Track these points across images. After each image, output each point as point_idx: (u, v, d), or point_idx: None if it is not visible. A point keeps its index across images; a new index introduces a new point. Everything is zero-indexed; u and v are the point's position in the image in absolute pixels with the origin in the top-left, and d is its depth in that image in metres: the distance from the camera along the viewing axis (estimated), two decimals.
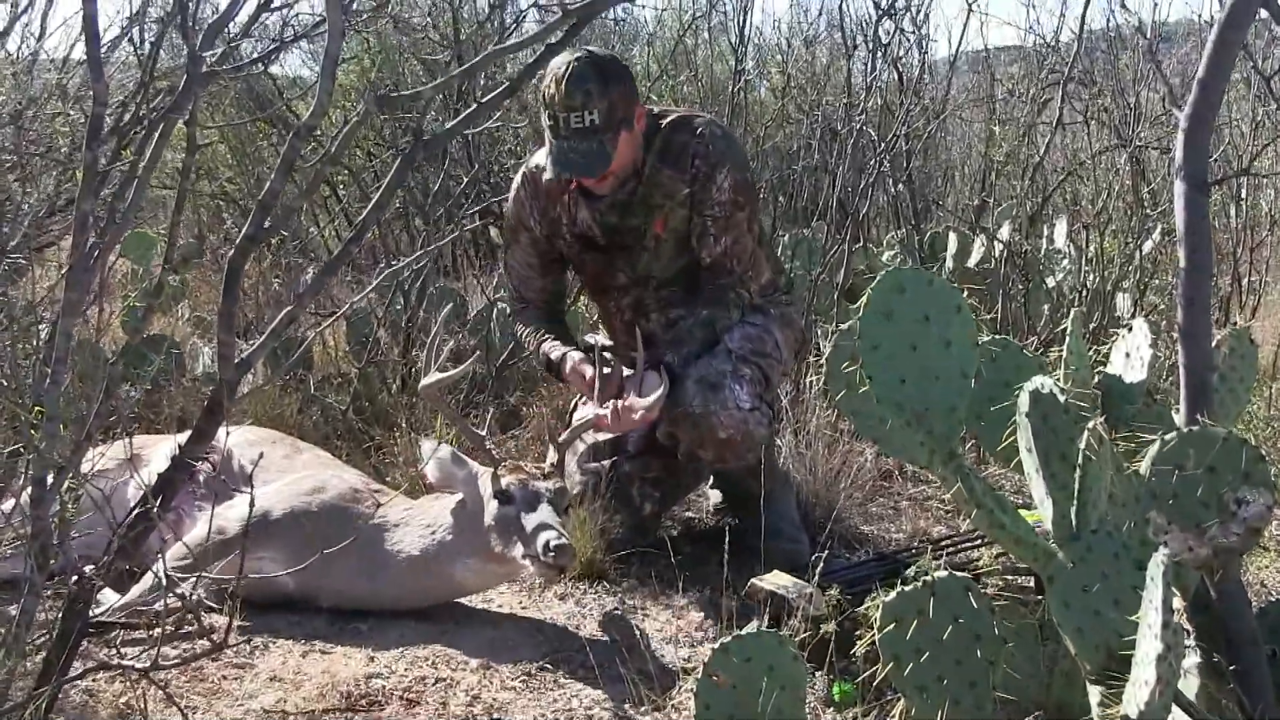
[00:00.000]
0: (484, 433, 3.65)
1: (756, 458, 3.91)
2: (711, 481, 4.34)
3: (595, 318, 4.36)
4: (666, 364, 3.84)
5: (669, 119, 3.94)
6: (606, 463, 3.97)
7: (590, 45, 3.91)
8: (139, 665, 2.48)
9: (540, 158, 4.01)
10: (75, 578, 2.44)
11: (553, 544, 3.24)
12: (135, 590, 3.29)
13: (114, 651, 2.92)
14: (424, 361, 3.72)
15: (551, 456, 3.64)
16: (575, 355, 3.98)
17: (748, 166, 4.01)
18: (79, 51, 4.18)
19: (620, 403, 3.71)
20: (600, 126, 3.70)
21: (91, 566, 2.50)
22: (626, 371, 3.91)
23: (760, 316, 4.01)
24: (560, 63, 3.68)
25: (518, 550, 3.33)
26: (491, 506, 3.42)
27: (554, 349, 4.04)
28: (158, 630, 2.91)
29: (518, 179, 4.14)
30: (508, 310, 4.58)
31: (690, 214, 3.92)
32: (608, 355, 3.96)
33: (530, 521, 3.34)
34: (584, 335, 4.40)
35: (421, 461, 3.64)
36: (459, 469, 3.56)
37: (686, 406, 3.79)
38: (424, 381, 3.68)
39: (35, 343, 3.18)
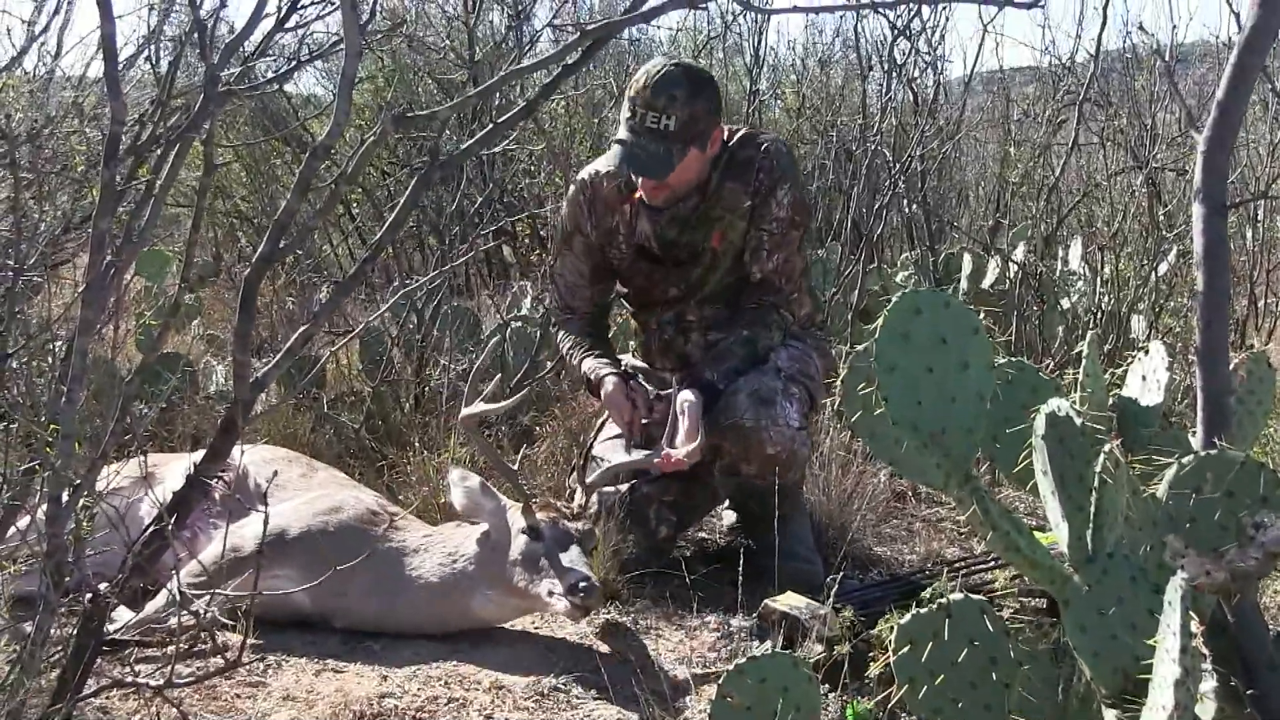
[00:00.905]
0: (515, 466, 3.68)
1: (797, 477, 3.96)
2: (727, 504, 4.33)
3: (635, 331, 4.33)
4: (707, 382, 3.85)
5: (737, 136, 3.99)
6: (624, 486, 3.96)
7: (684, 60, 3.93)
8: (153, 683, 2.48)
9: (602, 163, 4.08)
10: (90, 595, 2.45)
11: (582, 585, 3.24)
12: (150, 607, 3.29)
13: (128, 669, 2.92)
14: (466, 391, 3.72)
15: (579, 498, 3.64)
16: (613, 380, 3.96)
17: (805, 187, 4.04)
18: (95, 69, 4.21)
19: (666, 453, 3.69)
20: (674, 134, 3.73)
21: (106, 584, 2.50)
22: (663, 393, 3.92)
23: (800, 343, 4.05)
24: (656, 63, 3.77)
25: (543, 587, 3.33)
26: (520, 541, 3.41)
27: (595, 368, 4.04)
28: (172, 648, 2.91)
29: (575, 185, 4.16)
30: (551, 319, 4.57)
31: (748, 227, 3.95)
32: (646, 385, 4.00)
33: (560, 560, 3.34)
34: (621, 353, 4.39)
35: (448, 487, 3.65)
36: (488, 500, 3.56)
37: (738, 419, 3.80)
38: (464, 412, 3.68)
39: (51, 360, 3.19)
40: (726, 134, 3.99)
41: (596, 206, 4.10)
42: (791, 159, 4.02)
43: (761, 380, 3.86)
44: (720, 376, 3.86)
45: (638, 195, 4.00)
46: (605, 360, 4.08)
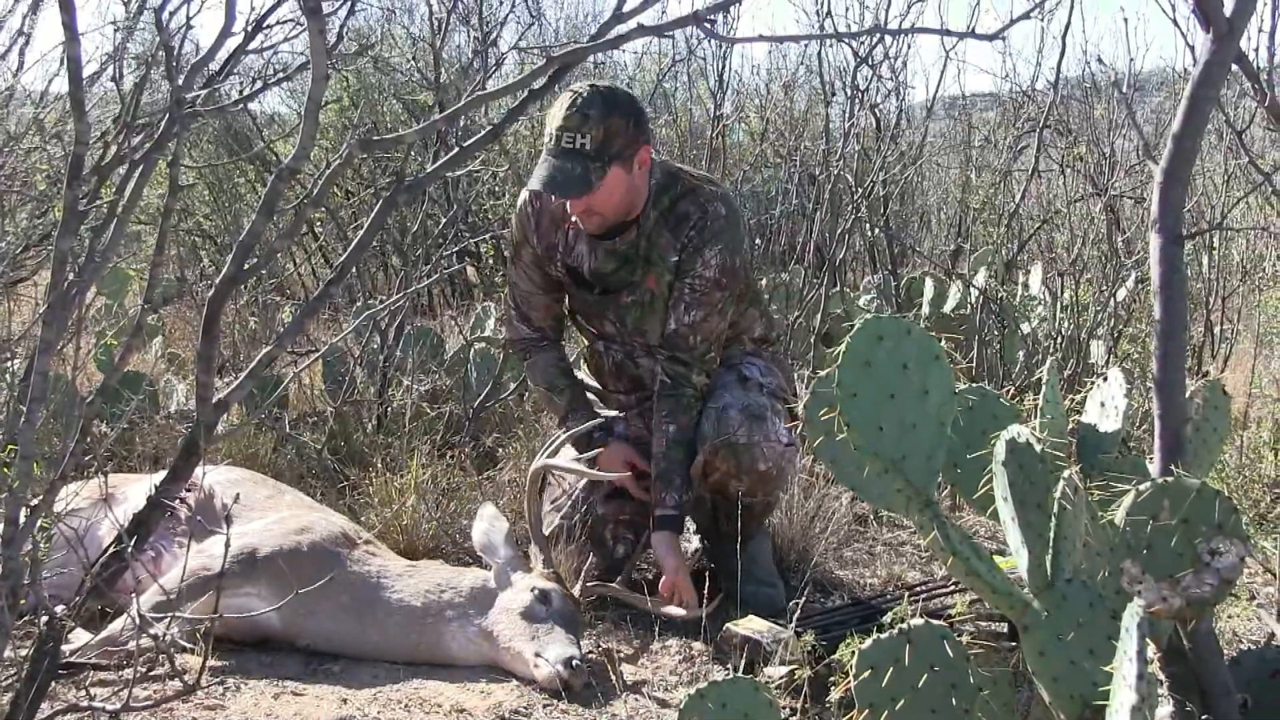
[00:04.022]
0: (547, 534, 3.73)
1: (782, 494, 4.00)
2: (692, 528, 4.34)
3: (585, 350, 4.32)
4: (660, 517, 3.87)
5: (684, 186, 3.92)
6: (581, 505, 3.98)
7: (608, 83, 3.91)
8: (109, 707, 2.46)
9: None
10: (46, 617, 2.42)
11: (575, 663, 3.25)
12: (108, 630, 3.27)
13: (84, 693, 2.90)
14: (548, 443, 3.87)
15: (538, 559, 3.68)
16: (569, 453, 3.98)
17: (740, 251, 3.97)
18: (56, 85, 4.19)
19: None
20: (591, 153, 3.66)
21: (63, 606, 2.48)
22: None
23: (759, 359, 4.06)
24: (575, 87, 3.72)
25: (530, 647, 3.34)
26: (527, 597, 3.43)
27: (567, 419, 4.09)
28: (129, 671, 2.88)
29: (523, 195, 4.10)
30: (510, 345, 4.54)
31: (673, 279, 3.91)
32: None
33: (559, 633, 3.36)
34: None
35: (476, 519, 3.72)
36: (507, 548, 3.61)
37: (731, 435, 3.81)
38: (540, 462, 3.77)
39: (10, 380, 3.16)
40: (681, 180, 3.94)
41: (542, 220, 4.04)
42: (733, 221, 3.95)
43: (749, 397, 3.88)
44: (673, 502, 3.86)
45: (573, 218, 3.93)
46: (572, 413, 4.10)
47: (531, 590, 3.44)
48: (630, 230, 3.91)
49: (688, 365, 3.90)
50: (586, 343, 4.32)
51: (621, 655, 3.55)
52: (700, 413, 3.90)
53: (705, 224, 3.85)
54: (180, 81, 2.49)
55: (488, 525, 3.67)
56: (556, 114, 3.71)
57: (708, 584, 3.50)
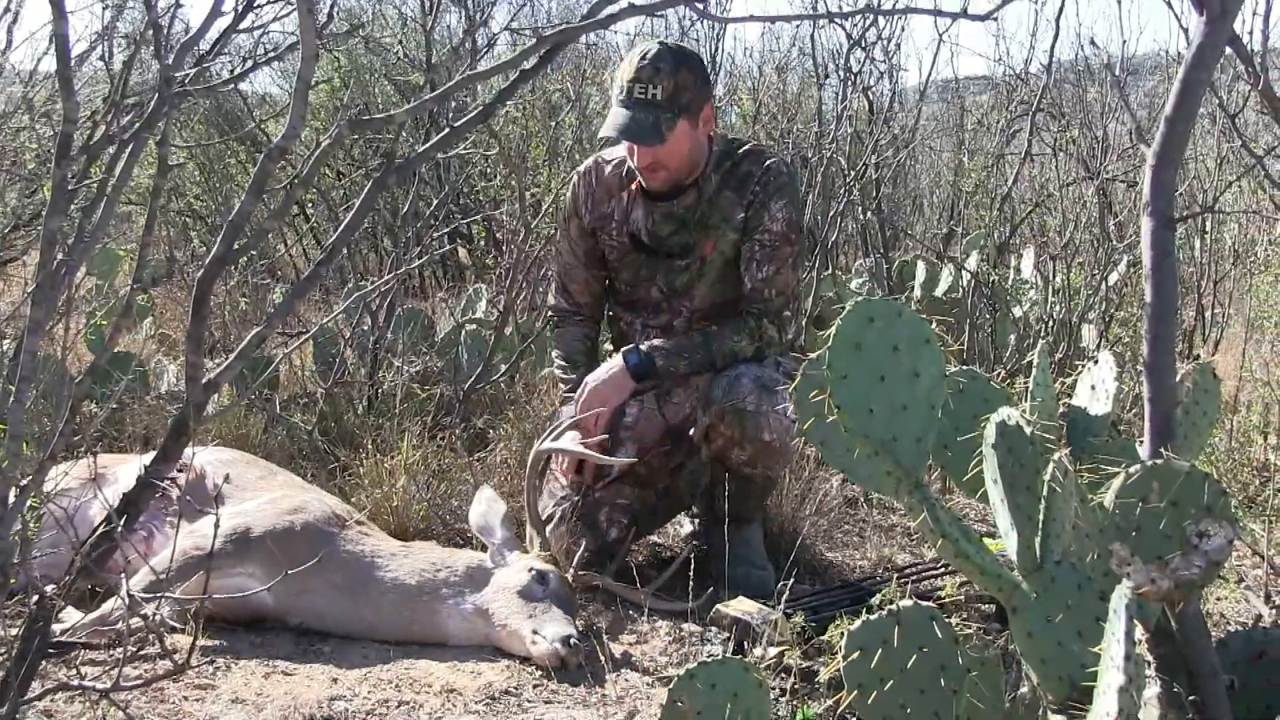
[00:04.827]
0: (544, 515, 3.78)
1: (782, 471, 4.04)
2: (689, 511, 4.35)
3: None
4: (634, 352, 3.97)
5: (745, 148, 4.06)
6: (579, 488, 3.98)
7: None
8: (99, 686, 2.45)
9: (608, 152, 4.21)
10: (36, 597, 2.42)
11: (572, 640, 3.28)
12: (99, 610, 3.27)
13: (74, 672, 2.90)
14: (551, 428, 3.94)
15: (535, 541, 3.72)
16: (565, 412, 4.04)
17: (802, 209, 4.12)
18: (45, 64, 4.17)
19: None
20: (662, 103, 3.80)
21: (53, 586, 2.48)
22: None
23: (784, 356, 4.09)
24: (644, 45, 3.88)
25: (527, 625, 3.35)
26: (524, 577, 3.45)
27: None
28: (119, 651, 2.88)
29: (581, 168, 4.25)
30: (547, 311, 4.61)
31: (740, 239, 4.00)
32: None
33: (555, 612, 3.39)
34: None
35: (474, 501, 3.75)
36: (504, 529, 3.63)
37: (740, 401, 3.83)
38: (541, 445, 3.83)
39: None
40: (739, 146, 4.07)
41: (596, 192, 4.16)
42: (793, 179, 4.08)
43: (764, 370, 3.91)
44: (650, 351, 3.94)
45: (636, 184, 4.06)
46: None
47: (529, 570, 3.46)
48: (689, 193, 4.02)
49: (759, 315, 3.99)
50: (614, 336, 4.38)
51: (611, 636, 3.56)
52: (712, 381, 3.93)
53: (769, 179, 3.97)
54: (169, 61, 2.48)
55: (485, 507, 3.68)
56: (628, 67, 3.86)
57: (696, 569, 3.51)
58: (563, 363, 4.23)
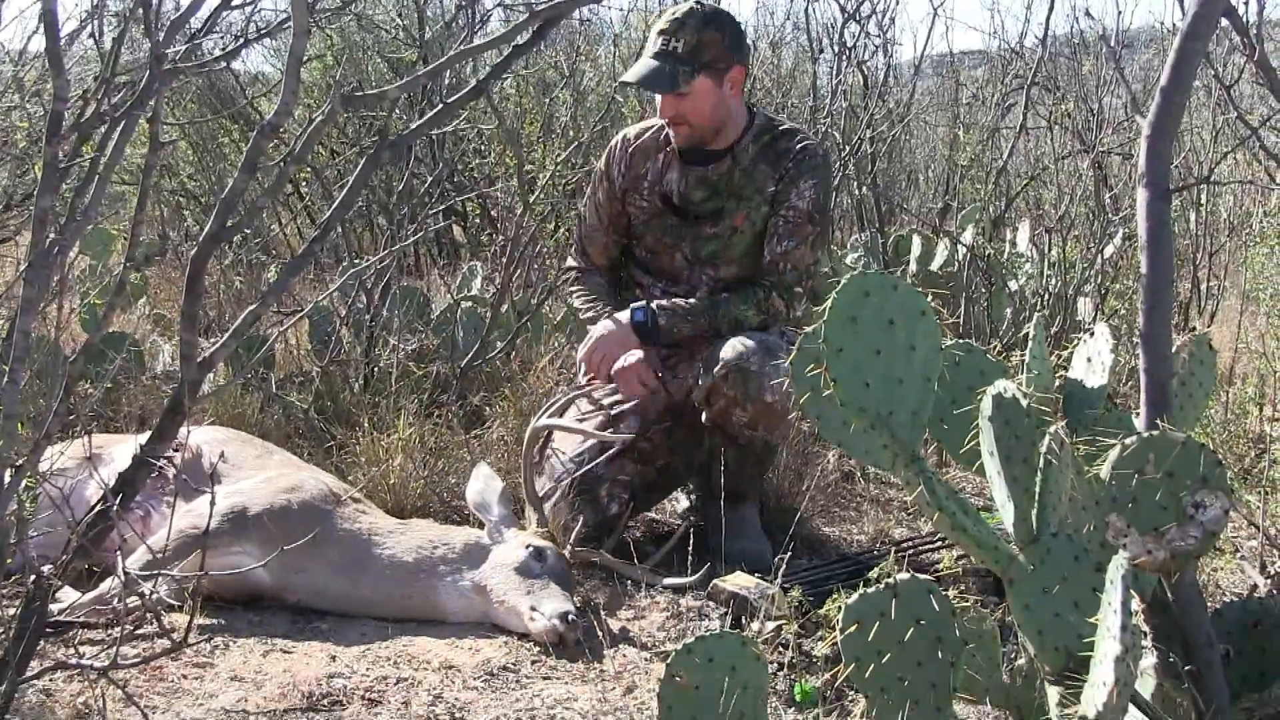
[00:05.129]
0: (541, 493, 3.81)
1: (783, 437, 4.07)
2: (689, 487, 4.36)
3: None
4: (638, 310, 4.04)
5: (784, 127, 4.15)
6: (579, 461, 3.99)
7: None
8: (97, 665, 2.46)
9: (648, 122, 4.29)
10: (33, 577, 2.42)
11: (570, 616, 3.29)
12: (97, 590, 3.27)
13: (72, 651, 2.90)
14: (553, 403, 4.00)
15: (533, 518, 3.76)
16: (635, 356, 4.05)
17: (832, 193, 4.25)
18: (35, 43, 4.15)
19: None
20: (682, 56, 3.90)
21: (50, 566, 2.48)
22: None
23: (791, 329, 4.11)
24: (681, 4, 4.00)
25: (525, 602, 3.36)
26: (523, 554, 3.46)
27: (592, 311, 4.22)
28: (117, 629, 2.89)
29: (620, 135, 4.33)
30: (564, 272, 4.60)
31: (769, 212, 4.04)
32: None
33: (553, 588, 3.39)
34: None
35: (471, 478, 3.75)
36: (501, 506, 3.64)
37: (744, 361, 3.83)
38: (545, 421, 3.87)
39: None
40: (779, 124, 4.15)
41: (634, 155, 4.22)
42: (827, 162, 4.16)
43: (769, 337, 3.94)
44: (657, 309, 4.00)
45: (672, 146, 4.14)
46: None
47: (526, 547, 3.46)
48: (723, 160, 4.09)
49: (770, 287, 4.03)
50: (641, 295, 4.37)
51: (609, 612, 3.57)
52: (716, 346, 3.93)
53: (804, 158, 4.04)
54: (160, 38, 2.47)
55: (482, 484, 3.68)
56: (659, 21, 3.98)
57: (693, 544, 3.51)
58: (587, 298, 4.26)
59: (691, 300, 4.04)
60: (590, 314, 4.18)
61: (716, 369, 3.86)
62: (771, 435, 3.94)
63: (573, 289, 4.36)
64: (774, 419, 3.88)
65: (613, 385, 4.00)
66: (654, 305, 4.01)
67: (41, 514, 2.97)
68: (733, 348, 3.87)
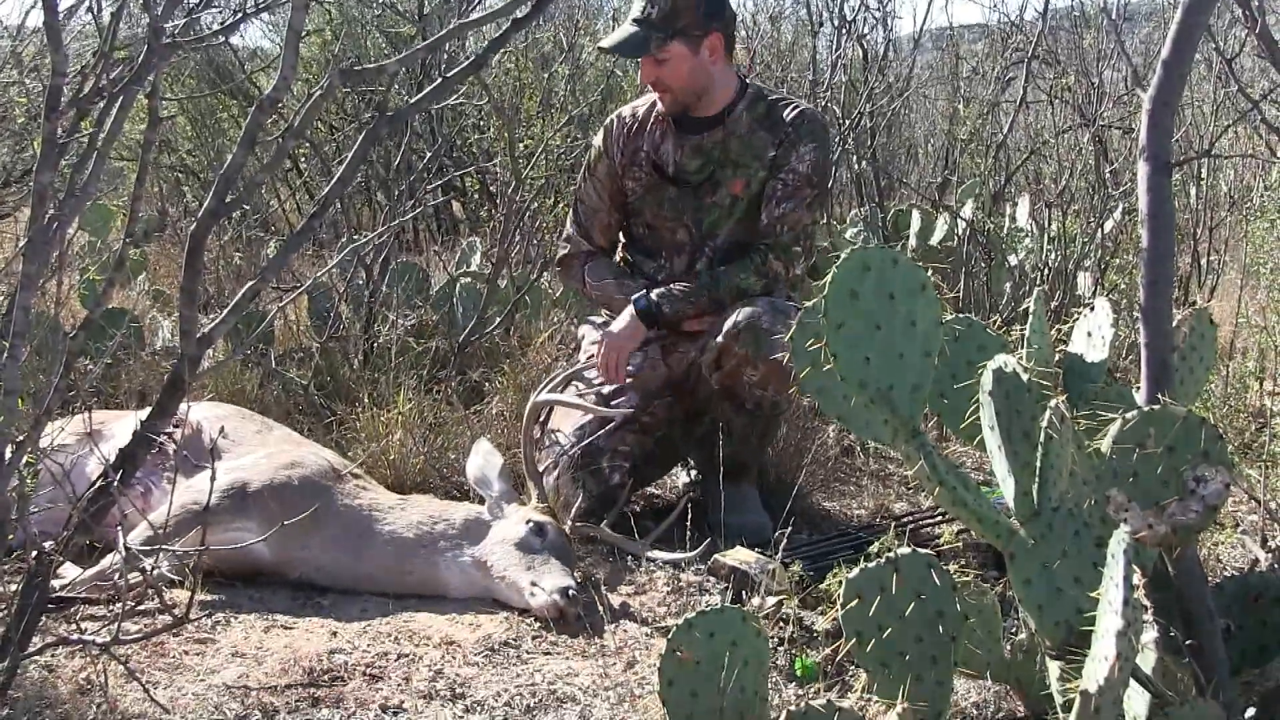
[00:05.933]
0: (540, 468, 3.80)
1: (790, 400, 4.06)
2: (688, 463, 4.36)
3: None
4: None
5: (776, 95, 4.20)
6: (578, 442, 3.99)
7: None
8: (99, 640, 2.47)
9: (641, 102, 4.30)
10: (34, 553, 2.43)
11: (571, 592, 3.29)
12: (98, 566, 3.27)
13: (74, 627, 2.91)
14: (554, 378, 4.01)
15: (533, 494, 3.74)
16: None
17: (831, 156, 4.26)
18: (34, 19, 4.13)
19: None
20: (655, 22, 3.93)
21: (51, 542, 2.48)
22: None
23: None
24: None
25: (525, 577, 3.36)
26: (523, 529, 3.46)
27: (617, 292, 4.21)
28: (118, 605, 2.89)
29: (616, 114, 4.34)
30: (561, 256, 4.53)
31: (768, 177, 4.05)
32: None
33: (554, 564, 3.40)
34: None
35: (471, 454, 3.76)
36: (501, 482, 3.65)
37: (756, 320, 3.85)
38: (546, 396, 3.87)
39: None
40: (772, 93, 4.19)
41: (631, 130, 4.22)
42: (825, 127, 4.18)
43: (778, 301, 3.95)
44: (659, 295, 4.01)
45: (665, 121, 4.15)
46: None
47: (527, 522, 3.46)
48: (717, 129, 4.10)
49: (766, 250, 4.03)
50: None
51: (610, 587, 3.57)
52: (727, 314, 3.94)
53: (802, 122, 4.07)
54: (158, 13, 2.46)
55: (482, 460, 3.69)
56: None
57: (693, 519, 3.52)
58: (612, 279, 4.24)
59: (688, 283, 4.03)
60: (631, 291, 4.14)
61: (727, 327, 3.88)
62: (779, 398, 3.94)
63: (591, 279, 4.28)
64: (783, 379, 3.87)
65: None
66: (653, 295, 4.01)
67: (42, 490, 2.97)
68: (742, 309, 3.89)
